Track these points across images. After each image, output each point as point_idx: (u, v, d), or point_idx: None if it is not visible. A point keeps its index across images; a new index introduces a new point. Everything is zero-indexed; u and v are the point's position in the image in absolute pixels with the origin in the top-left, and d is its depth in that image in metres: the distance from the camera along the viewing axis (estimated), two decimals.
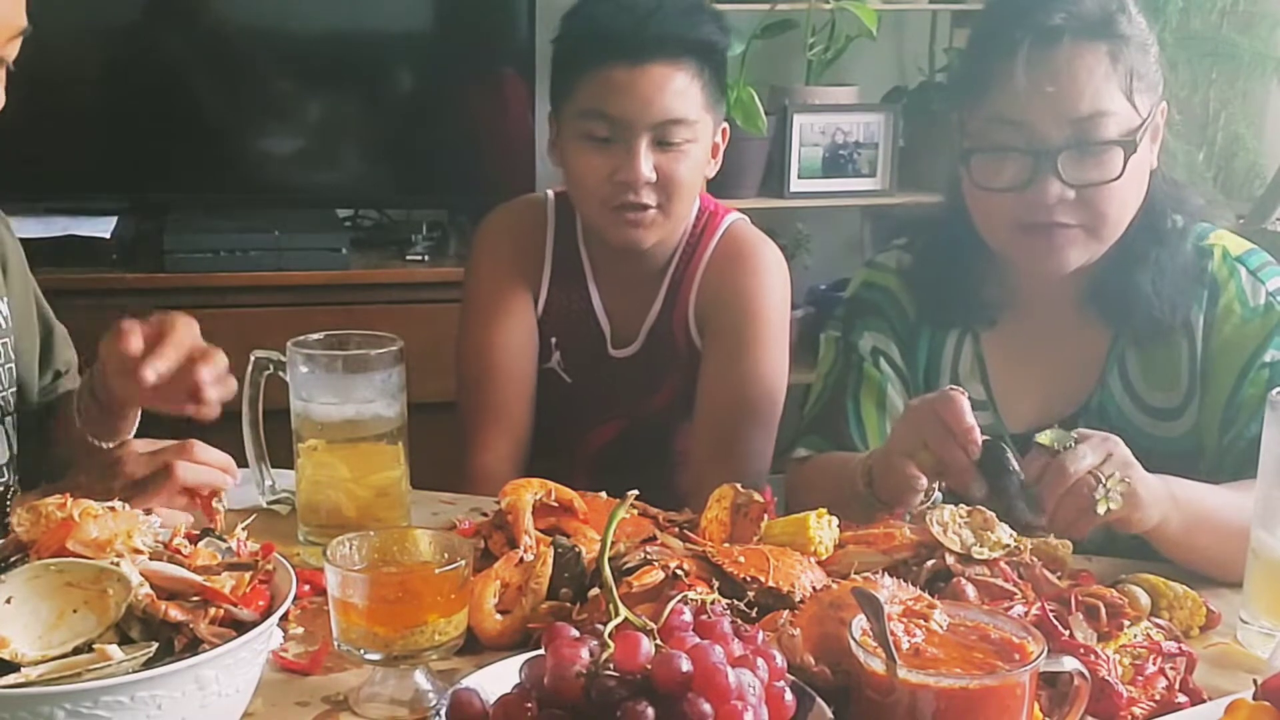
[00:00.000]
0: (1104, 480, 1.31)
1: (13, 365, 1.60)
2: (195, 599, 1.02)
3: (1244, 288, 1.56)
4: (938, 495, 1.45)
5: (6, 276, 1.64)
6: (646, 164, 1.77)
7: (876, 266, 1.76)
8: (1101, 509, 1.31)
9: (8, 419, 1.58)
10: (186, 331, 1.40)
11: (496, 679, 1.03)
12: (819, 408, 1.75)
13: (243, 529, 1.16)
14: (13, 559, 1.04)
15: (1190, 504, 1.40)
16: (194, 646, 0.99)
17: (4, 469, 1.56)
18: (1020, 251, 1.55)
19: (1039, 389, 1.62)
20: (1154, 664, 1.16)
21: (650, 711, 0.90)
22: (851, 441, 1.67)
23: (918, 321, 1.69)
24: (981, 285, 1.64)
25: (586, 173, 1.81)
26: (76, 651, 0.97)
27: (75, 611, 0.99)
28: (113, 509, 1.09)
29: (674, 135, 1.77)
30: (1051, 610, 1.18)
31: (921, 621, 1.05)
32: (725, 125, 1.90)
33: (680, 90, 1.77)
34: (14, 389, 1.60)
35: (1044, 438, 1.34)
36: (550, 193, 1.99)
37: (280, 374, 1.45)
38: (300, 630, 1.28)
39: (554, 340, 1.96)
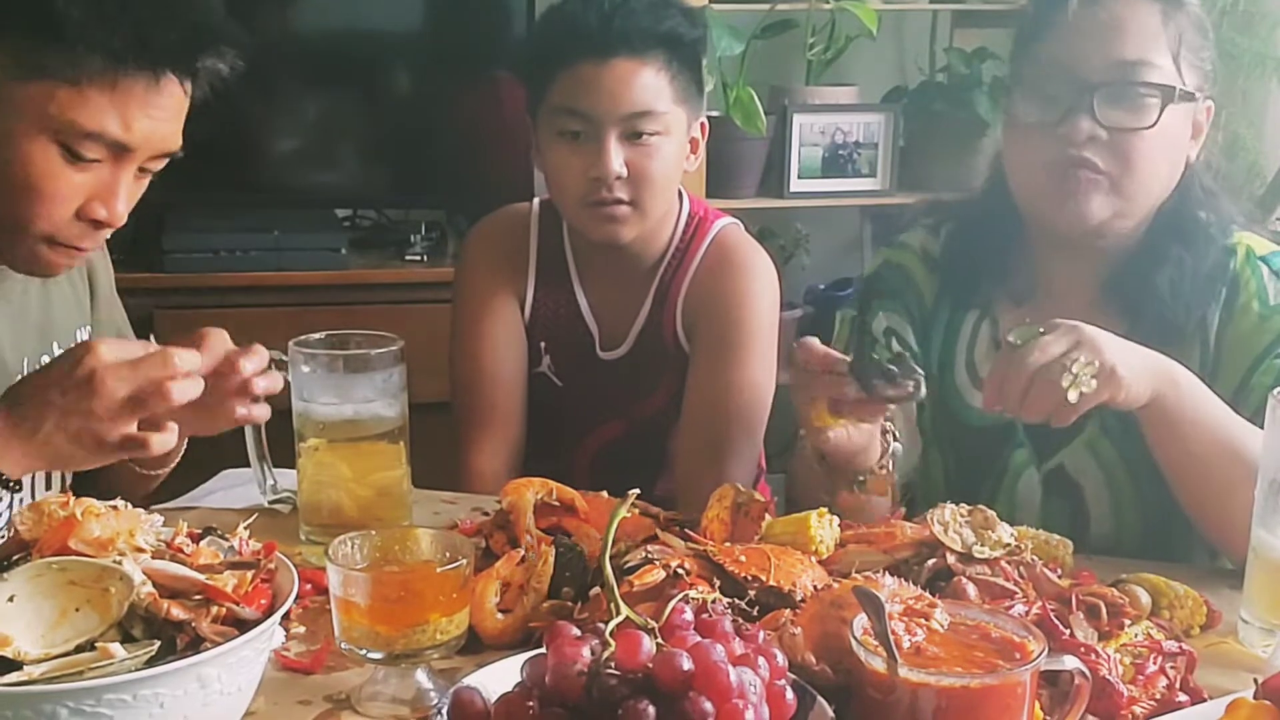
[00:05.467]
0: (1069, 366, 1.32)
1: None
2: (197, 597, 1.02)
3: (1265, 286, 1.55)
4: (895, 446, 1.48)
5: (95, 302, 1.62)
6: (616, 159, 1.78)
7: (898, 246, 1.76)
8: (1074, 395, 1.32)
9: None
10: (219, 340, 1.35)
11: (498, 678, 1.04)
12: None
13: (245, 528, 1.17)
14: (15, 557, 1.04)
15: (1194, 394, 1.40)
16: (196, 645, 0.99)
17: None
18: (1046, 196, 1.54)
19: None
20: (1155, 663, 1.16)
21: (651, 710, 0.90)
22: None
23: (936, 304, 1.69)
24: (1008, 267, 1.64)
25: (562, 170, 1.83)
26: (79, 650, 0.97)
27: (78, 610, 0.99)
28: (115, 508, 1.09)
29: (643, 128, 1.79)
30: (1052, 609, 1.18)
31: (922, 620, 1.05)
32: (704, 120, 1.91)
33: (648, 84, 1.78)
34: None
35: (1013, 335, 1.37)
36: (536, 200, 2.02)
37: (281, 374, 1.45)
38: (302, 629, 1.28)
39: (543, 345, 1.98)
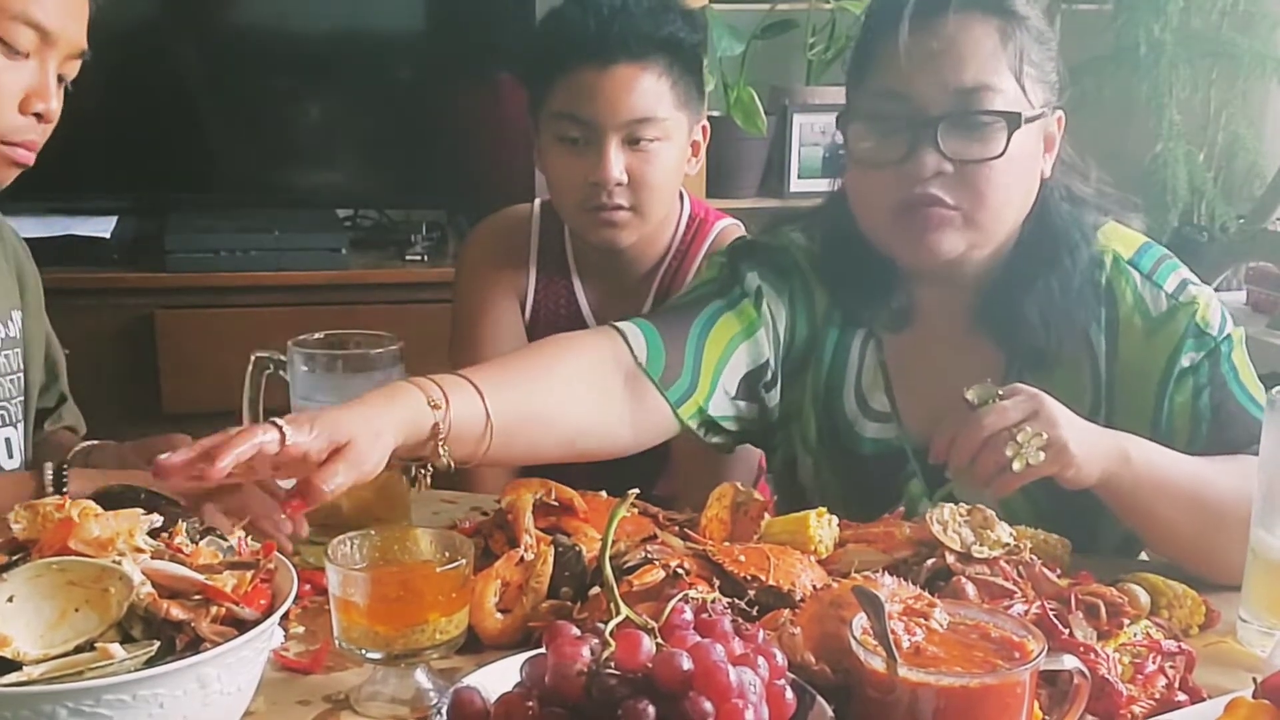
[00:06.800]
0: (1016, 436, 1.30)
1: (21, 375, 1.61)
2: (197, 598, 1.02)
3: (1142, 296, 1.49)
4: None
5: (24, 296, 1.67)
6: (617, 165, 1.78)
7: (779, 234, 1.63)
8: (1018, 465, 1.30)
9: (18, 426, 1.60)
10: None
11: (497, 678, 1.04)
12: (670, 305, 1.62)
13: (241, 528, 1.16)
14: (15, 558, 1.04)
15: (1149, 467, 1.36)
16: (195, 645, 0.99)
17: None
18: (895, 235, 1.45)
19: (942, 402, 1.46)
20: (1154, 662, 1.16)
21: (651, 710, 0.90)
22: (681, 358, 1.50)
23: (827, 316, 1.59)
24: (882, 291, 1.56)
25: (562, 175, 1.84)
26: (78, 650, 0.97)
27: (77, 610, 0.99)
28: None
29: (643, 134, 1.79)
30: (1051, 609, 1.18)
31: (922, 620, 1.05)
32: (705, 123, 1.91)
33: (648, 89, 1.78)
34: (22, 397, 1.62)
35: (970, 393, 1.34)
36: (537, 201, 2.03)
37: (280, 373, 1.45)
38: (301, 629, 1.28)
39: None
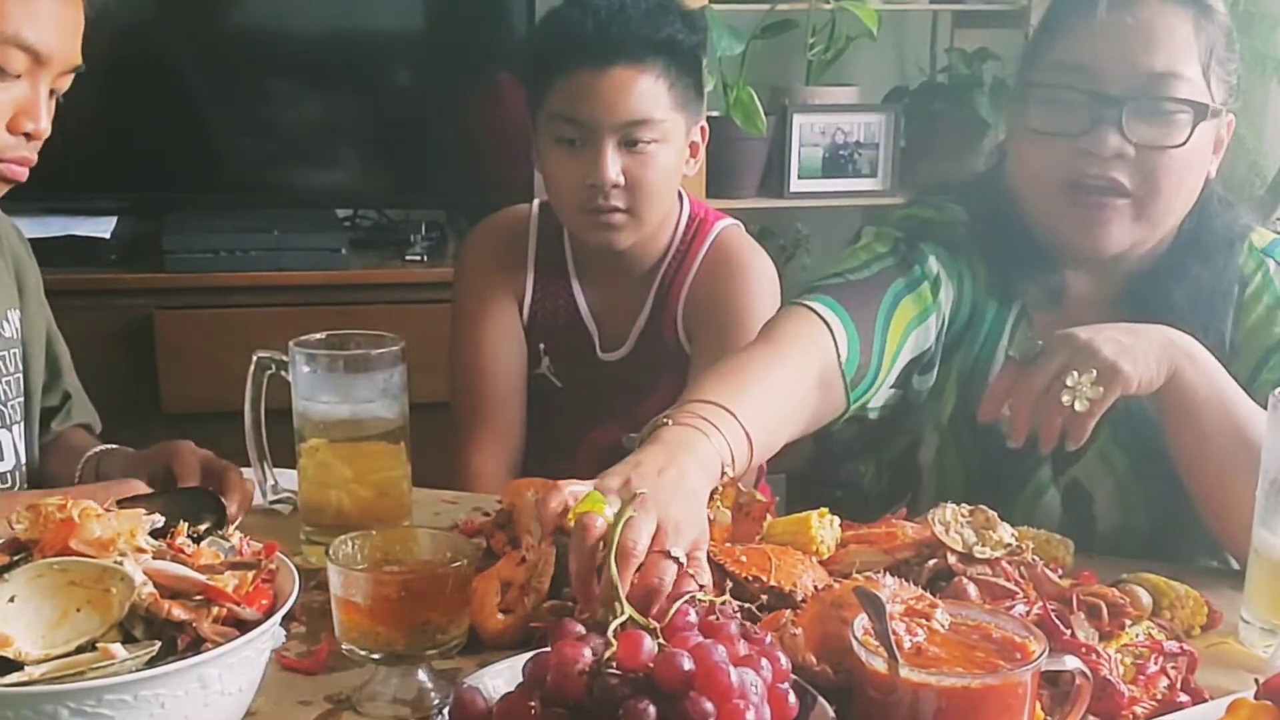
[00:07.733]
0: (1066, 381, 1.31)
1: (21, 375, 1.61)
2: (198, 598, 1.02)
3: (1272, 277, 1.53)
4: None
5: (23, 295, 1.67)
6: (614, 167, 1.78)
7: (937, 206, 1.60)
8: (1080, 405, 1.31)
9: (15, 427, 1.59)
10: (193, 459, 1.52)
11: (499, 677, 1.04)
12: (847, 279, 1.53)
13: (234, 528, 1.16)
14: (16, 558, 1.04)
15: (1209, 366, 1.37)
16: (197, 645, 0.99)
17: (10, 475, 1.57)
18: (1062, 215, 1.46)
19: None
20: (1155, 663, 1.16)
21: (652, 710, 0.90)
22: (870, 355, 1.47)
23: (987, 292, 1.58)
24: (1034, 265, 1.55)
25: (559, 176, 1.84)
26: (80, 650, 0.97)
27: (78, 610, 0.99)
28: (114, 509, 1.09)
29: (640, 136, 1.79)
30: (1053, 609, 1.18)
31: (923, 621, 1.05)
32: (704, 124, 1.91)
33: (646, 91, 1.78)
34: (22, 398, 1.61)
35: (1013, 349, 1.38)
36: (536, 202, 2.03)
37: (282, 374, 1.45)
38: (303, 629, 1.28)
39: (542, 346, 1.98)
